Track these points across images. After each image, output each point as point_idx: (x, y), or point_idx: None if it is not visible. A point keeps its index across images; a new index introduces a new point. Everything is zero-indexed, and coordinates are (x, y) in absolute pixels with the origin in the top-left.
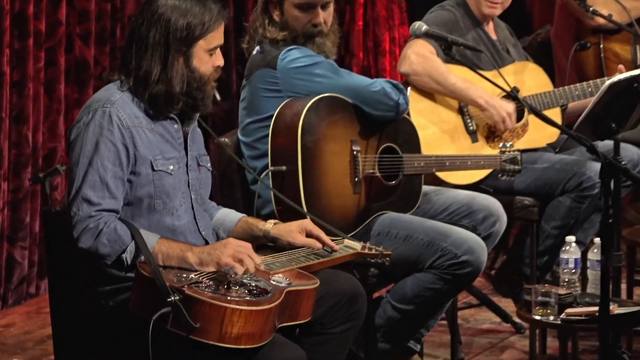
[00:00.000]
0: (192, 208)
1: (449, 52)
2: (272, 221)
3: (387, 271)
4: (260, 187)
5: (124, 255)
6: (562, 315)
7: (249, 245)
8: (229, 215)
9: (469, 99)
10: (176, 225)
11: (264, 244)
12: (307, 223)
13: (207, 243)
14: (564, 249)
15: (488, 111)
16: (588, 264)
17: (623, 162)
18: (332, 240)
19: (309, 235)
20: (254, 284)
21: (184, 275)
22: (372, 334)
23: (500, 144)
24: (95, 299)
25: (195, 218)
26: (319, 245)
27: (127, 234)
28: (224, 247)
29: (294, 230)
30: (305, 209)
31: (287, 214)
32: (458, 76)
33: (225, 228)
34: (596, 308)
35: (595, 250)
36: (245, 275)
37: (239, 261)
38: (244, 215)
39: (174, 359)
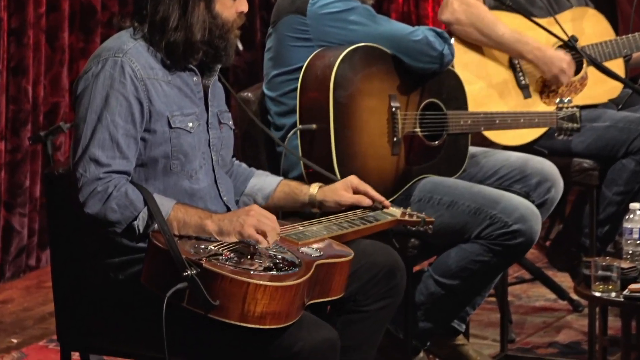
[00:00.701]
0: (213, 170)
1: None
2: (317, 184)
3: (430, 241)
4: (288, 147)
5: (135, 222)
6: (625, 292)
7: (273, 217)
8: (267, 179)
9: (518, 53)
10: (195, 190)
11: (294, 212)
12: (352, 179)
13: (228, 210)
14: (627, 217)
15: (540, 66)
16: None
17: None
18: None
19: (355, 192)
20: (280, 257)
21: (202, 246)
22: (412, 312)
23: (556, 100)
24: (102, 272)
25: (216, 181)
26: (367, 201)
27: (139, 199)
28: (246, 214)
29: (339, 189)
30: (337, 173)
31: (318, 178)
32: (507, 26)
33: (264, 194)
34: None
35: None
36: (271, 247)
37: (262, 234)
38: (282, 178)
39: (190, 340)
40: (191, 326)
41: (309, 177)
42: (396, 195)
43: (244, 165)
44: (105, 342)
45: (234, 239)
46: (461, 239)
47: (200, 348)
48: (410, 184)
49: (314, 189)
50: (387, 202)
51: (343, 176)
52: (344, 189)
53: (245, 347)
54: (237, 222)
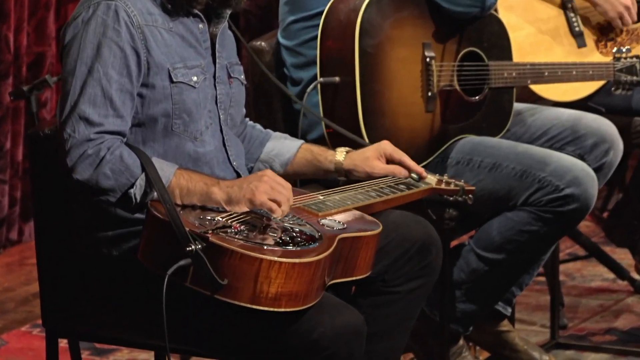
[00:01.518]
0: (221, 131)
1: None
2: (343, 149)
3: (470, 211)
4: (306, 105)
5: (131, 190)
6: None
7: (288, 185)
8: (285, 143)
9: None
10: (200, 153)
11: (314, 179)
12: (386, 145)
13: (238, 177)
14: None
15: (600, 5)
16: None
17: None
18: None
19: (389, 161)
20: (297, 229)
21: (209, 218)
22: (450, 293)
23: (614, 49)
24: (94, 247)
25: (224, 144)
26: (403, 172)
27: (136, 164)
28: (258, 180)
29: (370, 157)
30: (364, 133)
31: (341, 139)
32: None
33: (283, 160)
34: None
35: None
36: (287, 218)
37: (276, 202)
38: (302, 142)
39: (193, 325)
40: (195, 309)
41: (331, 139)
42: (431, 159)
43: (258, 126)
44: (97, 328)
45: (244, 209)
46: (506, 207)
47: (206, 334)
48: (446, 145)
49: (341, 155)
50: (425, 174)
51: (370, 137)
52: (376, 158)
53: (257, 333)
54: (248, 189)
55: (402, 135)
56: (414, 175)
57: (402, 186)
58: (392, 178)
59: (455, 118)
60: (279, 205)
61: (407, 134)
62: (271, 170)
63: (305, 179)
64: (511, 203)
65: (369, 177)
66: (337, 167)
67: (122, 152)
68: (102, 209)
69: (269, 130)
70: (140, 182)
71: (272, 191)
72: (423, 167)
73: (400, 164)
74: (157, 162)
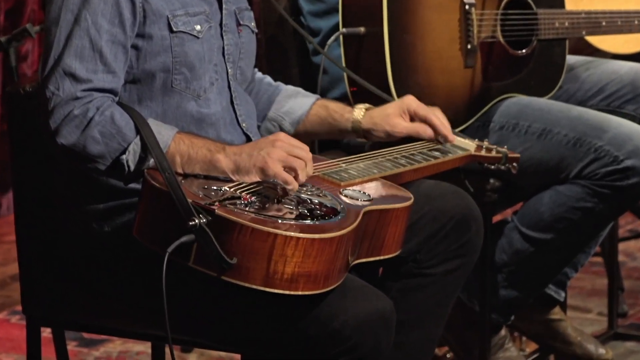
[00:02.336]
0: (229, 88)
1: None
2: (363, 106)
3: (514, 183)
4: (327, 59)
5: (124, 157)
6: None
7: (306, 148)
8: (298, 99)
9: None
10: (204, 114)
11: (334, 143)
12: (410, 101)
13: (249, 140)
14: None
15: None
16: None
17: None
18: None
19: (414, 119)
20: (317, 201)
21: (214, 188)
22: (491, 276)
23: None
24: (82, 222)
25: (232, 103)
26: (429, 132)
27: (129, 126)
28: (271, 145)
29: (391, 114)
30: (393, 91)
31: (367, 99)
32: None
33: (294, 118)
34: None
35: None
36: (305, 189)
37: (292, 171)
38: (317, 97)
39: (198, 312)
40: (199, 293)
41: (356, 98)
42: (470, 122)
43: (268, 79)
44: (85, 316)
45: (254, 179)
46: (556, 179)
47: (211, 322)
48: (488, 106)
49: (359, 112)
50: (452, 137)
51: (401, 96)
52: (397, 115)
53: (270, 320)
54: (259, 156)
55: (437, 94)
56: (440, 138)
57: (436, 153)
58: (424, 143)
59: (499, 75)
60: (296, 174)
61: (443, 93)
62: (281, 130)
63: (325, 145)
64: (562, 175)
65: (390, 137)
66: (355, 126)
67: (114, 112)
68: (91, 178)
69: (279, 84)
70: (134, 147)
71: (287, 158)
72: (461, 131)
73: (426, 122)
74: (154, 125)
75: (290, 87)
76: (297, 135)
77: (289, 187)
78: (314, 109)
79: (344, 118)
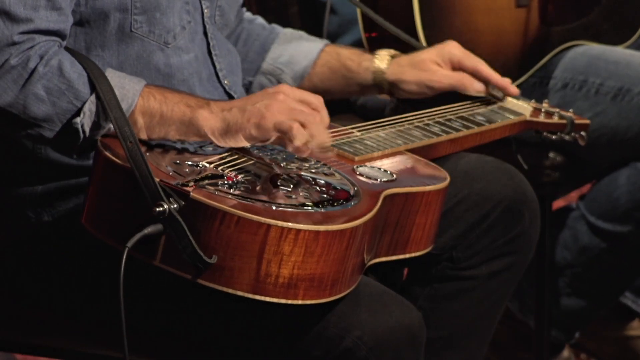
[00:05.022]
0: (205, 34)
1: None
2: (386, 52)
3: (582, 158)
4: None
5: (77, 119)
6: None
7: (320, 100)
8: (301, 45)
9: None
10: (174, 67)
11: (344, 103)
12: (452, 47)
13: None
14: None
15: None
16: None
17: None
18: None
19: (455, 69)
20: (322, 181)
21: (190, 163)
22: (550, 281)
23: None
24: (12, 209)
25: (210, 53)
26: (477, 85)
27: (82, 79)
28: (271, 98)
29: (427, 60)
30: (422, 39)
31: (386, 46)
32: None
33: (297, 70)
34: None
35: None
36: (307, 165)
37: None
38: (327, 42)
39: (165, 325)
40: (169, 302)
41: (373, 47)
42: (524, 78)
43: (260, 20)
44: (18, 332)
45: (244, 143)
46: (636, 154)
47: (185, 339)
48: (548, 57)
49: (383, 59)
50: (513, 88)
51: (431, 44)
52: (436, 62)
53: (262, 337)
54: (254, 110)
55: (480, 42)
56: (496, 92)
57: (480, 118)
58: (466, 104)
59: (561, 16)
60: (309, 131)
61: (487, 40)
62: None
63: (333, 107)
64: None
65: (424, 90)
66: (378, 77)
67: (62, 61)
68: (27, 151)
69: (274, 26)
70: (90, 106)
71: (293, 110)
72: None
73: (475, 73)
74: (115, 77)
75: (289, 30)
76: None
77: (296, 144)
78: (322, 57)
79: (362, 67)
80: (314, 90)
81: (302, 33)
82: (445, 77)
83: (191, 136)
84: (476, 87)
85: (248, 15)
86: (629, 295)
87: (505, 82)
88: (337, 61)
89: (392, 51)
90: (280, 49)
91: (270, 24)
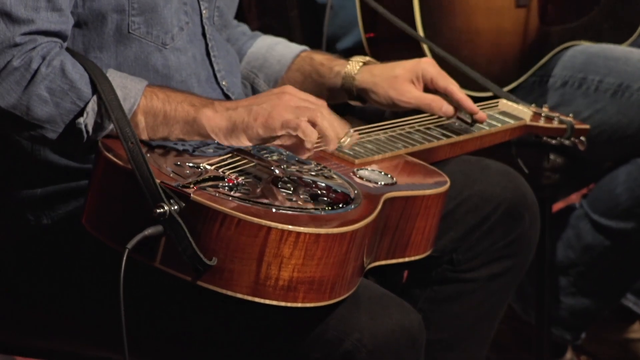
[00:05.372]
0: (204, 35)
1: None
2: (360, 59)
3: (582, 158)
4: None
5: (81, 120)
6: None
7: (323, 104)
8: (275, 50)
9: None
10: (172, 68)
11: (342, 105)
12: (427, 65)
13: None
14: None
15: None
16: None
17: None
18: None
19: (428, 87)
20: (323, 184)
21: (191, 165)
22: (552, 280)
23: None
24: (13, 212)
25: (208, 54)
26: (446, 108)
27: (84, 79)
28: (277, 97)
29: (400, 77)
30: (424, 37)
31: (385, 48)
32: None
33: (270, 73)
34: None
35: None
36: (308, 167)
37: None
38: (304, 48)
39: (165, 327)
40: (168, 304)
41: (373, 47)
42: (523, 78)
43: (243, 28)
44: (16, 334)
45: (247, 142)
46: (637, 150)
47: (184, 341)
48: (547, 57)
49: (354, 65)
50: (482, 114)
51: (432, 41)
52: (407, 80)
53: (262, 339)
54: (260, 108)
55: (479, 42)
56: (464, 116)
57: (475, 122)
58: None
59: (561, 16)
60: (319, 129)
61: (487, 40)
62: (253, 88)
63: (333, 110)
64: None
65: (393, 105)
66: (347, 82)
67: (64, 62)
68: (25, 153)
69: (256, 33)
70: (93, 105)
71: (298, 110)
72: (513, 90)
73: (446, 92)
74: (116, 77)
75: (268, 37)
76: None
77: (306, 140)
78: (296, 62)
79: (333, 72)
80: None
81: (281, 39)
82: (414, 99)
83: (195, 136)
84: (445, 111)
85: (234, 22)
86: (630, 297)
87: (475, 107)
88: (309, 66)
89: (367, 58)
90: (255, 54)
91: (253, 32)
